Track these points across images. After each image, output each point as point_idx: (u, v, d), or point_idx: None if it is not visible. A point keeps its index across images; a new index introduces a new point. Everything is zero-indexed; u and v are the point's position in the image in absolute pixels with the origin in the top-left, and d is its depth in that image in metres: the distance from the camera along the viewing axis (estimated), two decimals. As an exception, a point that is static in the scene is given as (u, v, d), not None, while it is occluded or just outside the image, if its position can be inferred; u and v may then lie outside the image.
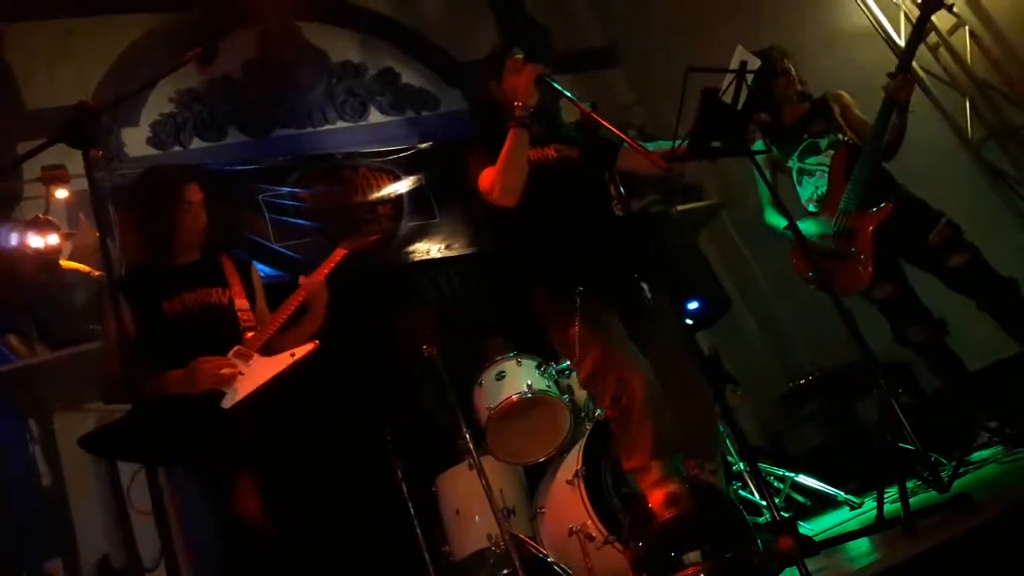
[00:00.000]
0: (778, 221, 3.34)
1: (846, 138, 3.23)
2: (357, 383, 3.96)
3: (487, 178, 2.66)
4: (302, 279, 2.97)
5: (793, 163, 3.34)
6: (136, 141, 4.62)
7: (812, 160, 3.28)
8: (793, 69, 3.37)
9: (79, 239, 3.91)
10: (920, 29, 3.03)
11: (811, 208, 3.30)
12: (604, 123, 2.41)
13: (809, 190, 3.31)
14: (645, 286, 2.59)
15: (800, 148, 3.31)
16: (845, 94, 3.39)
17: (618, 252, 2.61)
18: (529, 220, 2.65)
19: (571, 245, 2.63)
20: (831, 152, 3.21)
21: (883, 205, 3.05)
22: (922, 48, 3.93)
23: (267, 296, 3.09)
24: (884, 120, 3.00)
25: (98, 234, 2.04)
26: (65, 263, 3.74)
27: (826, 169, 3.21)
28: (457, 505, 3.46)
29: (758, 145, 3.37)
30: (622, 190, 2.80)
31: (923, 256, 3.08)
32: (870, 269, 3.04)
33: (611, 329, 2.51)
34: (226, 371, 2.63)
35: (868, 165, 3.04)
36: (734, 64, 2.37)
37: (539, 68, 2.60)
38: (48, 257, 3.67)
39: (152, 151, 4.63)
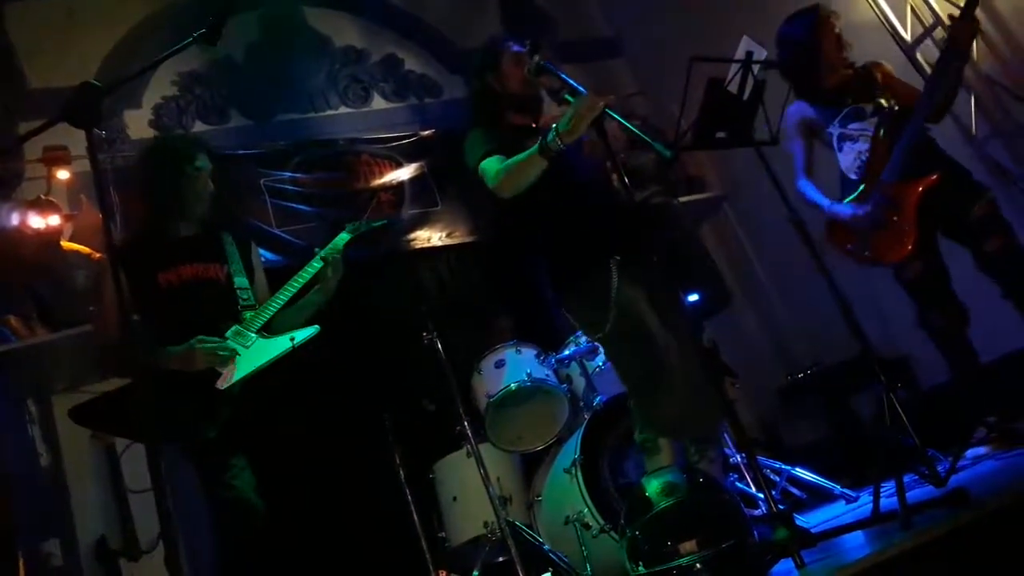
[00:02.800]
0: (813, 193, 3.24)
1: (892, 104, 3.10)
2: (357, 369, 3.97)
3: (490, 171, 2.63)
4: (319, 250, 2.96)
5: (834, 128, 3.21)
6: (138, 123, 4.60)
7: (856, 126, 3.16)
8: (842, 33, 3.25)
9: (80, 220, 3.92)
10: None
11: (852, 176, 3.19)
12: (615, 115, 2.37)
13: (851, 156, 3.18)
14: (661, 271, 2.59)
15: (843, 113, 3.19)
16: (885, 63, 3.28)
17: (637, 235, 2.60)
18: (546, 205, 2.63)
19: (594, 227, 2.62)
20: (875, 119, 3.10)
21: (929, 175, 2.94)
22: (928, 44, 3.93)
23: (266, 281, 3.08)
24: (943, 69, 2.88)
25: (100, 216, 2.03)
26: (66, 244, 3.74)
27: (870, 134, 3.09)
28: (454, 492, 3.48)
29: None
30: (626, 180, 2.80)
31: (961, 230, 2.98)
32: (913, 239, 2.92)
33: (639, 305, 2.51)
34: (223, 351, 2.62)
35: (918, 125, 2.92)
36: (739, 54, 2.36)
37: (608, 100, 2.38)
38: (49, 238, 3.67)
39: (154, 133, 4.62)
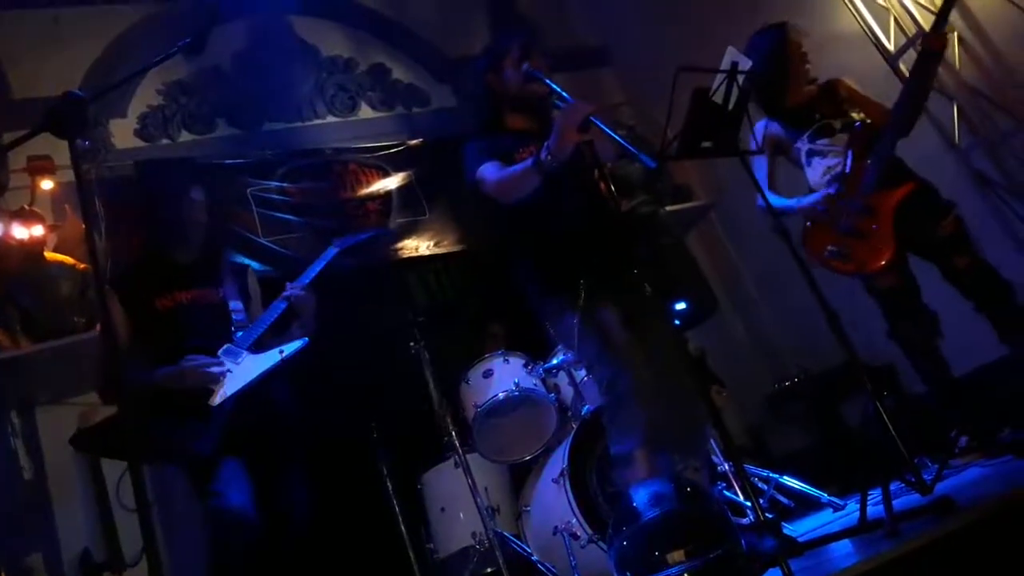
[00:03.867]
0: (778, 201, 3.23)
1: (862, 117, 3.16)
2: (344, 379, 3.95)
3: (488, 179, 2.63)
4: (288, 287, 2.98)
5: (803, 144, 3.25)
6: (124, 133, 4.58)
7: (824, 141, 3.20)
8: (804, 50, 3.30)
9: (64, 231, 3.89)
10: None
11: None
12: (600, 124, 2.37)
13: (819, 171, 3.22)
14: (644, 282, 2.59)
15: (812, 129, 3.22)
16: (847, 79, 3.31)
17: (617, 246, 2.61)
18: (529, 214, 2.63)
19: (572, 238, 2.63)
20: (844, 135, 3.14)
21: (904, 185, 2.99)
22: (911, 54, 3.97)
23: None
24: (920, 75, 2.96)
25: (84, 226, 2.02)
26: (50, 255, 3.71)
27: (840, 149, 3.13)
28: (442, 502, 3.47)
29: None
30: (612, 188, 2.80)
31: (929, 247, 3.03)
32: (891, 246, 2.95)
33: (608, 322, 2.51)
34: (214, 369, 2.64)
35: (893, 135, 2.97)
36: (724, 65, 2.38)
37: (589, 108, 2.34)
38: (33, 248, 3.64)
39: (140, 143, 4.61)
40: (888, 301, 3.12)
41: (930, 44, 2.94)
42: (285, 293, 2.95)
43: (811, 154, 3.25)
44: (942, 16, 2.93)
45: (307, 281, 3.00)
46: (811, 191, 3.24)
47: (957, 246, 2.97)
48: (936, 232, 2.98)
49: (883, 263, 2.97)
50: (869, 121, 3.11)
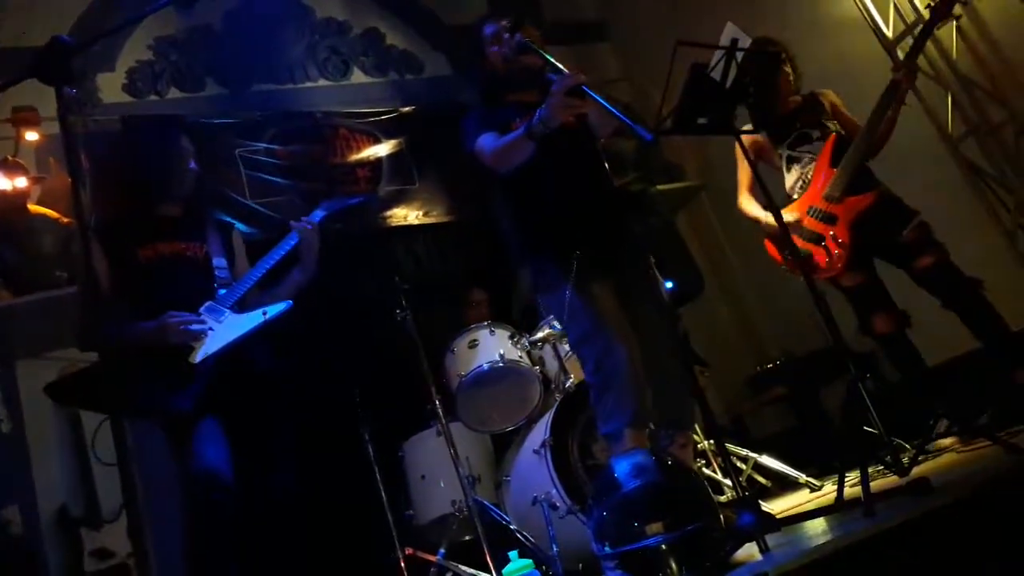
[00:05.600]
0: (754, 208, 3.39)
1: (837, 129, 3.30)
2: (329, 346, 3.94)
3: (486, 148, 2.62)
4: (293, 224, 2.92)
5: (783, 150, 3.38)
6: (112, 87, 4.50)
7: (802, 148, 3.33)
8: (789, 64, 3.42)
9: (48, 184, 3.83)
10: (927, 32, 3.17)
11: (795, 196, 3.34)
12: (602, 100, 2.34)
13: (795, 176, 3.35)
14: (638, 258, 2.60)
15: (792, 137, 3.35)
16: (832, 92, 3.44)
17: (613, 221, 2.60)
18: (525, 184, 2.62)
19: (567, 209, 2.61)
20: (820, 143, 3.27)
21: (865, 194, 3.11)
22: (909, 41, 3.96)
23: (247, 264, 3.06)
24: (886, 104, 3.08)
25: (69, 179, 1.98)
26: (33, 207, 3.66)
27: (814, 156, 3.26)
28: (423, 470, 3.48)
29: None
30: (606, 165, 2.79)
31: (894, 252, 3.14)
32: (846, 254, 3.10)
33: (601, 297, 2.51)
34: (196, 326, 2.61)
35: (860, 152, 3.11)
36: (724, 41, 2.35)
37: (580, 77, 2.34)
38: (15, 200, 3.58)
39: (128, 98, 4.53)
40: (857, 297, 3.23)
41: (900, 79, 3.09)
42: (297, 226, 2.91)
43: (790, 160, 3.39)
44: (915, 52, 3.13)
45: (317, 220, 2.96)
46: (787, 195, 3.37)
47: (921, 248, 3.07)
48: (898, 239, 3.09)
49: (839, 268, 3.13)
50: (843, 133, 3.27)
